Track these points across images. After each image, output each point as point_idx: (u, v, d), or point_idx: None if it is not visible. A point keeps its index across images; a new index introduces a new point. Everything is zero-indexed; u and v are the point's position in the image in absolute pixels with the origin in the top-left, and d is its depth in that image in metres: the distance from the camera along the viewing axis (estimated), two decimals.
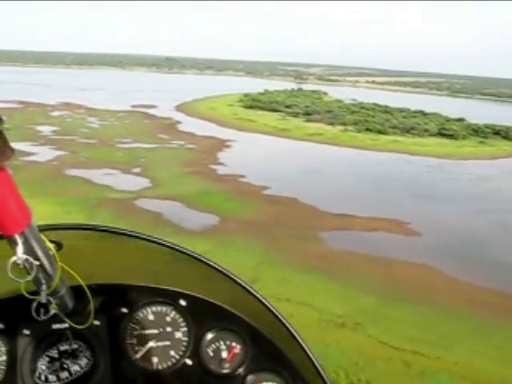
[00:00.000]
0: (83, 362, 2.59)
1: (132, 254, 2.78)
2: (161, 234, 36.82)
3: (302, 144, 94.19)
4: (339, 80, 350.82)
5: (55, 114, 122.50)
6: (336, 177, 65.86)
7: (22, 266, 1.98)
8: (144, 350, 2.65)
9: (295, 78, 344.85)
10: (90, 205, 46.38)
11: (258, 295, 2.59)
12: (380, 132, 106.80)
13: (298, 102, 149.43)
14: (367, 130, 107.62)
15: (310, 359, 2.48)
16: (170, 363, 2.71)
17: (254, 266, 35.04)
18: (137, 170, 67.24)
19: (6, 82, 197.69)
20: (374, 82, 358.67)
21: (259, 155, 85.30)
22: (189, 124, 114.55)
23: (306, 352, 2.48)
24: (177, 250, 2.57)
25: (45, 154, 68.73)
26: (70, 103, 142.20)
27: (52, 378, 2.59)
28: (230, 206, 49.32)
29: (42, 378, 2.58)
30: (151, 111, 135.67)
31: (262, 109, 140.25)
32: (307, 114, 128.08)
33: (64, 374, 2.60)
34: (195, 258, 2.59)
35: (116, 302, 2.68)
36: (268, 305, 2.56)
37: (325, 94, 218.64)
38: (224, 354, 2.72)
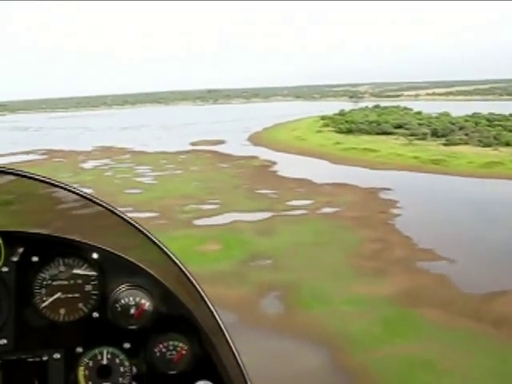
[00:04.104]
0: None
1: (46, 203, 2.67)
2: None
3: (482, 184, 59.79)
4: (398, 95, 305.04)
5: (89, 165, 78.32)
6: None
7: None
8: (51, 300, 2.47)
9: (350, 98, 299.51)
10: None
11: (171, 254, 2.46)
12: None
13: (401, 120, 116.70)
14: None
15: (216, 320, 2.44)
16: (77, 315, 2.49)
17: None
18: (277, 305, 29.14)
19: (38, 129, 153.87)
20: (434, 93, 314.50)
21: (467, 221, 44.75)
22: (288, 164, 74.96)
23: (212, 313, 2.44)
24: (93, 201, 2.44)
25: None
26: (110, 148, 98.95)
27: None
28: None
29: None
30: (221, 148, 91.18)
31: (366, 132, 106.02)
32: (436, 134, 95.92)
33: None
34: (112, 211, 2.46)
35: (27, 250, 2.49)
36: (180, 265, 2.46)
37: (409, 108, 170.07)
38: (132, 310, 2.50)
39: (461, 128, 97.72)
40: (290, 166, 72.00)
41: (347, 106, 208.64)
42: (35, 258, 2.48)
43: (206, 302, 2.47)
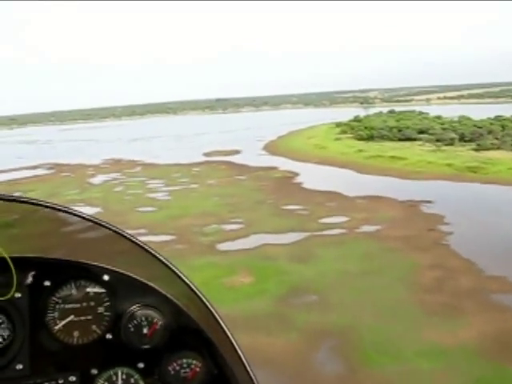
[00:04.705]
0: (4, 334, 2.41)
1: (55, 227, 2.66)
2: None
3: None
4: (409, 100, 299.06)
5: (97, 180, 72.20)
6: None
7: None
8: (65, 323, 2.47)
9: (361, 104, 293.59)
10: None
11: (178, 272, 2.48)
12: None
13: (422, 125, 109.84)
14: None
15: (227, 336, 2.43)
16: (90, 338, 2.49)
17: None
18: None
19: (46, 142, 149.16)
20: (445, 97, 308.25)
21: None
22: (312, 175, 69.25)
23: (224, 331, 2.43)
24: (100, 224, 2.45)
25: None
26: (119, 160, 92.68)
27: None
28: None
29: None
30: (236, 159, 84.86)
31: (388, 139, 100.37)
32: (463, 139, 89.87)
33: None
34: (119, 233, 2.46)
35: (39, 275, 2.49)
36: (188, 282, 2.47)
37: (425, 113, 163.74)
38: (145, 330, 2.51)
39: (489, 132, 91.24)
40: (314, 176, 66.00)
41: (358, 112, 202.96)
42: (47, 283, 2.46)
43: (216, 319, 2.43)
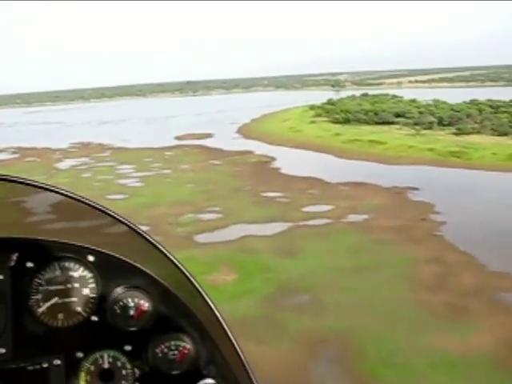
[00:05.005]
0: None
1: (39, 207, 2.57)
2: None
3: None
4: (380, 83, 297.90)
5: (65, 164, 67.93)
6: None
7: None
8: (49, 305, 2.41)
9: (332, 86, 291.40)
10: None
11: (166, 252, 2.40)
12: None
13: (398, 109, 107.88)
14: None
15: (217, 317, 2.39)
16: (75, 320, 2.44)
17: None
18: None
19: (11, 125, 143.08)
20: (416, 81, 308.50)
21: None
22: (289, 160, 65.79)
23: (212, 310, 2.39)
24: (85, 203, 2.37)
25: None
26: (88, 144, 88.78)
27: None
28: None
29: None
30: (210, 143, 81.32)
31: (364, 122, 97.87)
32: (442, 123, 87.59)
33: None
34: (104, 212, 2.39)
35: (22, 256, 2.41)
36: (176, 262, 2.40)
37: (399, 96, 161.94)
38: (131, 312, 2.45)
39: (468, 116, 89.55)
40: (291, 161, 63.00)
41: (330, 95, 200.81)
42: (30, 264, 2.40)
43: (205, 300, 2.40)
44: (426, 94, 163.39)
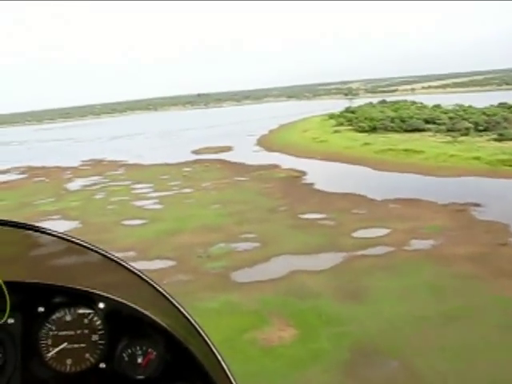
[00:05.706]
0: None
1: (50, 253, 2.61)
2: None
3: None
4: (393, 90, 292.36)
5: (75, 185, 61.98)
6: None
7: None
8: (57, 350, 2.40)
9: (345, 95, 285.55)
10: None
11: (174, 302, 2.43)
12: None
13: (421, 115, 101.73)
14: None
15: (223, 368, 2.38)
16: (83, 366, 2.42)
17: None
18: None
19: (21, 143, 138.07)
20: (429, 86, 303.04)
21: None
22: (321, 174, 58.77)
23: (219, 361, 2.37)
24: (96, 251, 2.42)
25: None
26: (100, 161, 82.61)
27: None
28: None
29: None
30: (230, 156, 74.51)
31: (392, 130, 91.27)
32: (478, 128, 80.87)
33: None
34: (115, 261, 2.42)
35: (33, 300, 2.45)
36: (184, 312, 2.42)
37: (418, 102, 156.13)
38: (139, 360, 2.44)
39: (505, 119, 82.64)
40: (324, 175, 56.48)
41: (343, 103, 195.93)
42: (41, 309, 2.42)
43: (213, 352, 2.38)
44: (445, 99, 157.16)
